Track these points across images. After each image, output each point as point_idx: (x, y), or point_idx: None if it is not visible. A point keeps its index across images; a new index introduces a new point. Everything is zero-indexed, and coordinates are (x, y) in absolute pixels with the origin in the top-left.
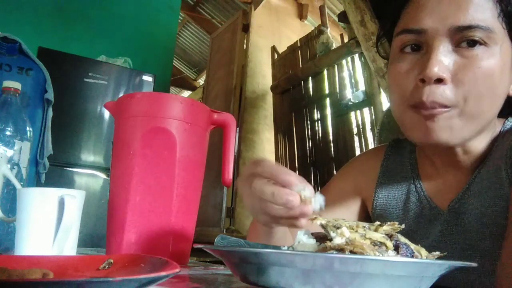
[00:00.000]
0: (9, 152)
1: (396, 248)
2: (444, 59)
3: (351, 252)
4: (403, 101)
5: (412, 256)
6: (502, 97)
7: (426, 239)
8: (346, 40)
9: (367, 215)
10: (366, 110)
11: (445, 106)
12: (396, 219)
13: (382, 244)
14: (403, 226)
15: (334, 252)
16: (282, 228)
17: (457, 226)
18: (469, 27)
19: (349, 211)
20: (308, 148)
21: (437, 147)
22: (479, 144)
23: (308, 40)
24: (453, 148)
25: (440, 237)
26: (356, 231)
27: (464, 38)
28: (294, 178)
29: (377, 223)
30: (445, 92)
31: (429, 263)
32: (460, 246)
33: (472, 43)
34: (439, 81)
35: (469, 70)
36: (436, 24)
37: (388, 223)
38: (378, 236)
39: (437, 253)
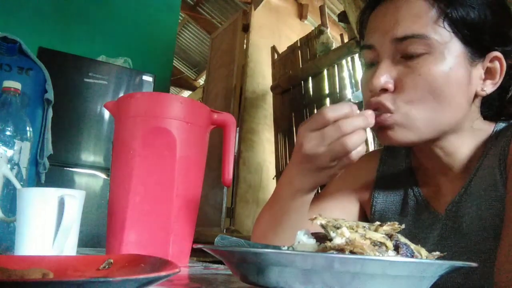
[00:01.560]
0: (9, 152)
1: (396, 248)
2: (387, 70)
3: (351, 252)
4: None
5: (412, 256)
6: (459, 99)
7: (425, 243)
8: (346, 40)
9: (365, 220)
10: None
11: (390, 111)
12: None
13: (382, 244)
14: (403, 226)
15: (334, 252)
16: (306, 203)
17: (455, 230)
18: (405, 38)
19: (348, 215)
20: None
21: (404, 146)
22: (460, 146)
23: (308, 40)
24: (433, 151)
25: (439, 241)
26: (356, 231)
27: (405, 49)
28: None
29: (377, 223)
30: (389, 99)
31: (429, 263)
32: (459, 249)
33: (412, 52)
34: (384, 90)
35: (409, 78)
36: (380, 39)
37: (388, 223)
38: (378, 236)
39: (437, 253)
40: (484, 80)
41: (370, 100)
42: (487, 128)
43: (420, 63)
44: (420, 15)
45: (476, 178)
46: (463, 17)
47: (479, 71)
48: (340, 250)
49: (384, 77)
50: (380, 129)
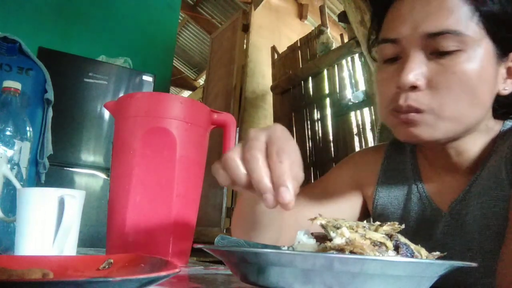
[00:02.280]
0: (9, 152)
1: (396, 249)
2: (418, 66)
3: (351, 252)
4: (385, 106)
5: (412, 256)
6: (486, 98)
7: (427, 240)
8: (346, 40)
9: (366, 213)
10: (366, 110)
11: (420, 111)
12: (397, 219)
13: (382, 244)
14: (403, 226)
15: (334, 252)
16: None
17: (458, 228)
18: (440, 33)
19: (350, 205)
20: (308, 148)
21: (424, 144)
22: (472, 146)
23: (308, 40)
24: (445, 149)
25: (441, 239)
26: (356, 231)
27: (437, 45)
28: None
29: (377, 223)
30: (420, 98)
31: (429, 263)
32: (462, 248)
33: (444, 48)
34: (414, 88)
35: (443, 76)
36: (409, 32)
37: (388, 223)
38: (378, 236)
39: (437, 253)
40: (506, 79)
41: (400, 97)
42: (497, 127)
43: (453, 61)
44: (453, 10)
45: (482, 176)
46: (494, 15)
47: (502, 70)
48: (340, 250)
49: (416, 74)
50: (401, 124)
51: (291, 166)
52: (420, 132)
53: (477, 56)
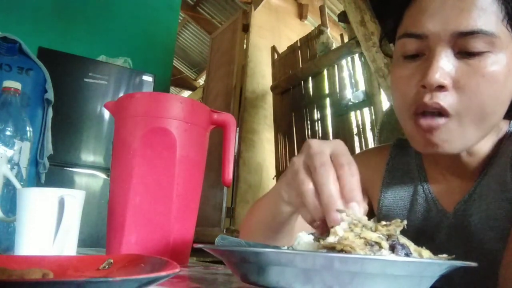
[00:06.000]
0: (9, 152)
1: (392, 249)
2: (445, 65)
3: (342, 250)
4: (406, 108)
5: (408, 257)
6: (507, 102)
7: (432, 241)
8: (346, 40)
9: (372, 215)
10: (366, 110)
11: (446, 114)
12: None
13: (376, 244)
14: (405, 222)
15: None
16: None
17: (463, 229)
18: (472, 33)
19: None
20: None
21: (440, 156)
22: (483, 146)
23: (308, 40)
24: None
25: (446, 239)
26: (352, 230)
27: (467, 44)
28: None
29: (383, 223)
30: (446, 99)
31: (429, 263)
32: (466, 249)
33: (473, 49)
34: (441, 87)
35: (471, 78)
36: (437, 29)
37: (389, 222)
38: (374, 236)
39: (444, 255)
40: None
41: (425, 96)
42: (504, 127)
43: (483, 63)
44: (485, 10)
45: (487, 177)
46: None
47: None
48: (331, 248)
49: (443, 73)
50: (422, 132)
51: (359, 182)
52: (439, 141)
53: (504, 59)
